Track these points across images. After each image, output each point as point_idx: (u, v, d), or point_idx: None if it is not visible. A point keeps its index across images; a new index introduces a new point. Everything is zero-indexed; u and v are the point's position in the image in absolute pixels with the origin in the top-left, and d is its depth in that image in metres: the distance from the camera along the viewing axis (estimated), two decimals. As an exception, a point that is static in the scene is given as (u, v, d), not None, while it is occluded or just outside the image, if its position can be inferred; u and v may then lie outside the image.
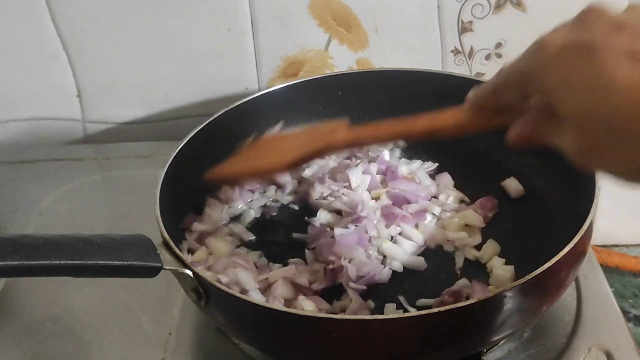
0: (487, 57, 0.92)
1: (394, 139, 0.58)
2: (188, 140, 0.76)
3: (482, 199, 0.78)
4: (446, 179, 0.83)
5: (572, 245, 0.58)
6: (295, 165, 0.65)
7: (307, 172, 0.83)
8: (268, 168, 0.67)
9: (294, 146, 0.66)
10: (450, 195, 0.80)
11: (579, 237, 0.59)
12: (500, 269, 0.69)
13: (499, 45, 0.91)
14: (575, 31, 0.42)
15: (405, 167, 0.84)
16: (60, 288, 0.76)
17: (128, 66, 0.97)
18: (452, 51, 0.93)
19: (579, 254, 0.62)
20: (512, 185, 0.80)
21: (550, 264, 0.56)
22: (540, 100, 0.46)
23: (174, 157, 0.73)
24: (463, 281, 0.69)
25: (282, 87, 0.86)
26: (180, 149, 0.75)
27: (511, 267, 0.69)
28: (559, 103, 0.41)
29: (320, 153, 0.63)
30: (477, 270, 0.71)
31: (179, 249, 0.61)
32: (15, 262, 0.53)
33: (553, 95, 0.42)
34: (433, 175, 0.84)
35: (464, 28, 0.91)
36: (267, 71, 0.96)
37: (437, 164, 0.85)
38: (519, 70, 0.45)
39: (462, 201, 0.80)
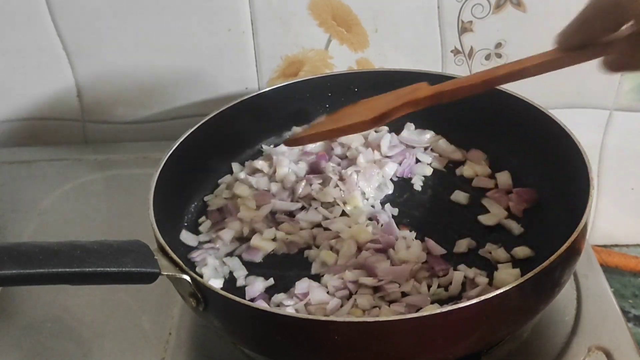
0: (487, 57, 0.92)
1: (477, 90, 0.59)
2: (179, 144, 0.76)
3: (519, 190, 0.77)
4: (478, 154, 0.83)
5: (569, 245, 0.58)
6: (381, 120, 0.67)
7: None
8: (354, 124, 0.69)
9: (378, 105, 0.68)
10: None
11: (575, 237, 0.59)
12: (506, 273, 0.68)
13: (499, 45, 0.91)
14: None
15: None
16: (60, 288, 0.75)
17: (128, 66, 0.96)
18: (452, 51, 0.93)
19: (574, 253, 0.62)
20: (503, 178, 0.80)
21: (547, 263, 0.56)
22: (636, 26, 0.46)
23: (167, 159, 0.73)
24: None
25: (276, 88, 0.86)
26: (172, 152, 0.75)
27: (517, 271, 0.68)
28: None
29: (403, 109, 0.65)
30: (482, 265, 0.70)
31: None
32: (13, 271, 0.52)
33: None
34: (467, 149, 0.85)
35: (464, 28, 0.90)
36: (267, 71, 0.96)
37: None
38: None
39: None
